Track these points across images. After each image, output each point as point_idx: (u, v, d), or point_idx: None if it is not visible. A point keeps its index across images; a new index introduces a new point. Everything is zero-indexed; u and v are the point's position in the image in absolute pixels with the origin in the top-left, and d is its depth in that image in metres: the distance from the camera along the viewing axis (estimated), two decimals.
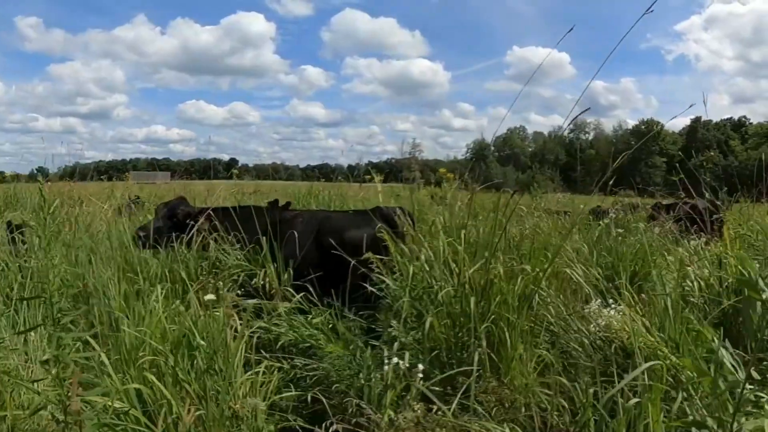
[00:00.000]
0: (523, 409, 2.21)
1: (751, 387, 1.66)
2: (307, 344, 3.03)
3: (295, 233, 3.96)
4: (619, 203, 6.92)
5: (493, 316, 2.52)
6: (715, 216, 5.21)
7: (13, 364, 2.58)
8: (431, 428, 2.00)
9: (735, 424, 1.45)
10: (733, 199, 6.40)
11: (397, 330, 2.59)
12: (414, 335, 2.64)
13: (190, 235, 4.02)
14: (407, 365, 2.20)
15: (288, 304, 3.33)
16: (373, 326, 3.05)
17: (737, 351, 2.08)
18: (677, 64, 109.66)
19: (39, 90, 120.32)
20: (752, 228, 4.53)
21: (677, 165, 6.71)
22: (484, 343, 2.36)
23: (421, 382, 2.23)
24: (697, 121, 69.01)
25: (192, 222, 4.09)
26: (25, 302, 2.93)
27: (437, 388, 2.29)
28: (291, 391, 2.65)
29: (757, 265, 3.20)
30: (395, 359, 2.20)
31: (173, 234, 4.10)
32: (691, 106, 2.84)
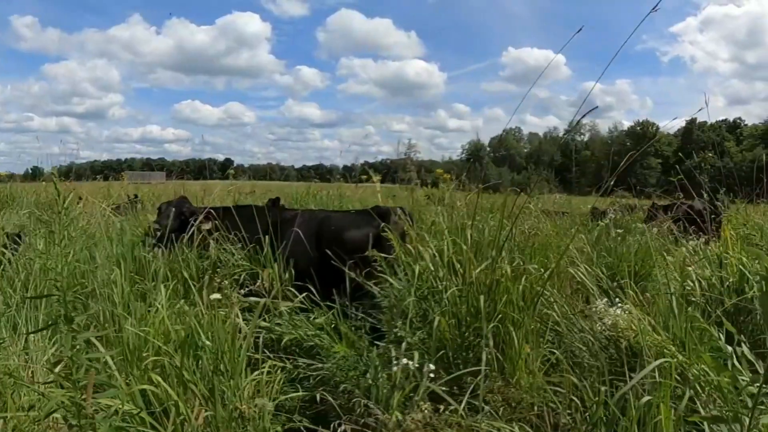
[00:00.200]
0: (530, 409, 2.21)
1: None
2: (310, 344, 3.02)
3: (299, 232, 3.95)
4: (616, 204, 6.96)
5: (500, 316, 2.52)
6: (713, 216, 5.25)
7: (14, 364, 2.55)
8: (440, 428, 2.00)
9: (752, 420, 1.45)
10: (729, 199, 6.44)
11: (402, 330, 2.59)
12: (420, 335, 2.63)
13: (191, 233, 4.00)
14: (417, 365, 2.19)
15: (290, 304, 3.32)
16: (378, 326, 3.05)
17: (739, 348, 2.10)
18: (672, 65, 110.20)
19: (34, 89, 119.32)
20: (755, 227, 4.54)
21: (676, 166, 6.75)
22: (491, 343, 2.36)
23: (428, 382, 2.22)
24: (692, 122, 69.45)
25: (195, 221, 4.09)
26: (25, 302, 2.89)
27: (444, 389, 2.28)
28: (294, 391, 2.64)
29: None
30: (405, 359, 2.19)
31: (183, 233, 4.11)
32: (700, 110, 2.87)
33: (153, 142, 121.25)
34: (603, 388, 1.95)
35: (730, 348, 1.92)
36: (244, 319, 2.73)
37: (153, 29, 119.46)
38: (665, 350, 2.11)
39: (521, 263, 2.81)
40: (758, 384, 1.38)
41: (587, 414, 2.06)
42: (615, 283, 3.29)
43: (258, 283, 3.48)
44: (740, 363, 1.91)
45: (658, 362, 1.87)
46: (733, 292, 3.09)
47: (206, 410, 2.09)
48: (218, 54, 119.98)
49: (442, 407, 2.16)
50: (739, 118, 76.81)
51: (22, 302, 2.93)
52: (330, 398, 2.43)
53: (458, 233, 3.39)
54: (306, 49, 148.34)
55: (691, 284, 3.13)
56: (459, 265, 2.94)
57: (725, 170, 6.01)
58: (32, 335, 2.70)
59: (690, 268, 3.27)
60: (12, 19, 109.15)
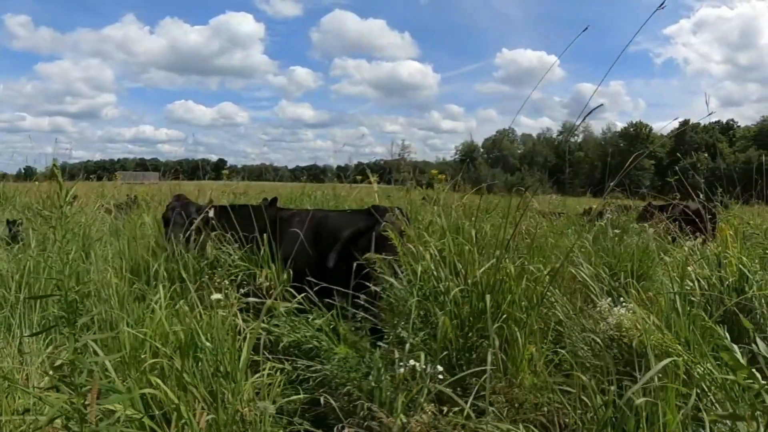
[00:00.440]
0: (534, 409, 2.19)
1: None
2: (309, 345, 2.98)
3: (299, 232, 3.92)
4: (611, 204, 6.98)
5: (504, 316, 2.50)
6: (709, 217, 5.27)
7: (8, 367, 2.50)
8: (445, 430, 1.97)
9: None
10: (724, 200, 6.48)
11: (405, 331, 2.56)
12: (422, 336, 2.61)
13: (190, 232, 3.97)
14: (423, 367, 2.17)
15: (288, 304, 3.28)
16: (378, 327, 3.01)
17: (740, 346, 2.10)
18: (666, 67, 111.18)
19: (27, 89, 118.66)
20: (758, 227, 4.54)
21: (674, 167, 6.79)
22: (497, 343, 2.34)
23: (433, 383, 2.19)
24: (685, 123, 70.05)
25: (199, 219, 4.07)
26: (19, 304, 2.83)
27: (447, 390, 2.26)
28: (294, 393, 2.60)
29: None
30: (412, 361, 2.16)
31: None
32: (710, 114, 2.86)
33: (146, 142, 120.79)
34: (612, 388, 1.93)
35: (736, 347, 1.92)
36: (245, 321, 2.69)
37: (146, 29, 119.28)
38: (671, 350, 2.10)
39: (524, 263, 2.79)
40: None
41: (593, 415, 2.04)
42: (617, 283, 3.29)
43: (258, 282, 3.44)
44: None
45: (666, 361, 1.86)
46: (733, 292, 3.10)
47: (208, 413, 2.05)
48: (212, 54, 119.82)
49: (446, 409, 2.13)
50: (732, 120, 77.66)
51: (16, 303, 2.87)
52: (332, 401, 2.40)
53: (458, 233, 3.38)
54: (299, 49, 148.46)
55: (691, 284, 3.14)
56: (460, 265, 2.92)
57: (723, 171, 6.04)
58: (26, 338, 2.65)
59: (690, 268, 3.28)
60: (5, 18, 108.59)
